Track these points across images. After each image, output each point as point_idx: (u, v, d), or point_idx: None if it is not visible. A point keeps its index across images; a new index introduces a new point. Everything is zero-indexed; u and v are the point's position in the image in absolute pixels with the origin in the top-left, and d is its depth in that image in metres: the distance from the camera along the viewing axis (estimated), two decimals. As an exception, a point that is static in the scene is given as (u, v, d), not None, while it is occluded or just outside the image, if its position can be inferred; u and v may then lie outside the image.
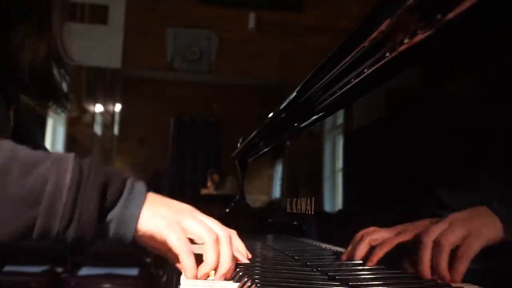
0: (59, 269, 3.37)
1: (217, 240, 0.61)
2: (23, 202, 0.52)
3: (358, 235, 0.72)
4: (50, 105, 0.80)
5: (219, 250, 0.61)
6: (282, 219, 1.27)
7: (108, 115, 7.35)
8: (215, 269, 0.61)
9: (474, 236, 0.49)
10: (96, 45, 5.81)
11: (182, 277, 0.63)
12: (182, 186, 6.65)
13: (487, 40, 0.53)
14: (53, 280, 3.26)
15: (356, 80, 0.78)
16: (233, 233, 0.68)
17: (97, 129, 7.25)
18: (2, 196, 0.52)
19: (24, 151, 0.55)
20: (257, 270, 0.65)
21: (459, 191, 0.56)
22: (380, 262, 0.68)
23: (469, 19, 0.52)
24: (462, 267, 0.51)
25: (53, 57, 0.76)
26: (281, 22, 6.56)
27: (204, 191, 6.03)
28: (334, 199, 0.95)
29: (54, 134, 6.53)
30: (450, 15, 0.53)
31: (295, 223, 1.14)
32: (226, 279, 0.61)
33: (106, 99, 7.31)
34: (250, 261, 0.69)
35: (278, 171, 1.41)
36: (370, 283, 0.59)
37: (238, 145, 1.88)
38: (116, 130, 7.29)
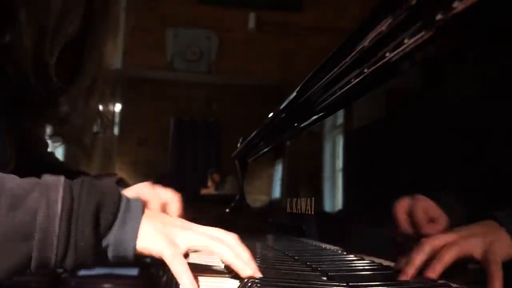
0: (59, 269, 3.37)
1: (221, 242, 0.60)
2: (15, 238, 0.51)
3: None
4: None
5: (232, 248, 0.60)
6: (282, 219, 1.27)
7: (108, 115, 7.34)
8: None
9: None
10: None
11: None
12: (182, 186, 6.64)
13: (487, 40, 0.53)
14: (53, 280, 3.26)
15: (356, 80, 0.78)
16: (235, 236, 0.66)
17: (97, 129, 7.24)
18: None
19: (11, 183, 0.53)
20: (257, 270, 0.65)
21: (458, 191, 0.56)
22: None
23: (469, 19, 0.52)
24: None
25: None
26: (281, 22, 6.56)
27: (204, 191, 6.03)
28: (334, 199, 0.95)
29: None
30: (450, 15, 0.53)
31: (295, 223, 1.14)
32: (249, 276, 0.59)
33: (106, 99, 7.30)
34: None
35: (278, 171, 1.41)
36: (370, 283, 0.59)
37: (238, 145, 1.88)
38: (116, 130, 7.29)
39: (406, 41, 0.62)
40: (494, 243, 0.48)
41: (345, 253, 0.83)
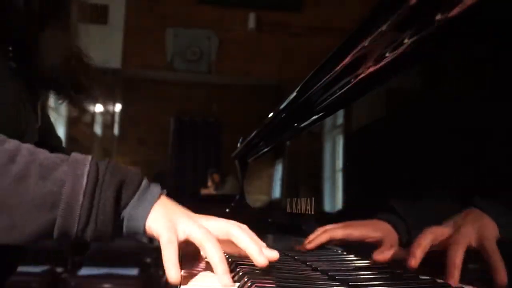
0: (59, 269, 3.37)
1: (229, 231, 0.63)
2: (42, 205, 0.54)
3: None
4: (73, 99, 0.84)
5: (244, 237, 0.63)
6: (282, 219, 1.27)
7: (108, 115, 7.35)
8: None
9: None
10: (96, 45, 5.79)
11: (183, 277, 0.63)
12: (182, 186, 6.64)
13: (488, 39, 0.53)
14: (53, 280, 3.26)
15: (356, 80, 0.78)
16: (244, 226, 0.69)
17: (97, 129, 7.25)
18: (23, 199, 0.54)
19: (42, 155, 0.57)
20: (257, 270, 0.65)
21: (459, 191, 0.56)
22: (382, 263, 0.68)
23: (469, 19, 0.52)
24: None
25: (75, 56, 0.80)
26: (281, 22, 6.56)
27: (204, 191, 6.03)
28: (334, 199, 0.95)
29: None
30: (450, 15, 0.53)
31: (295, 223, 1.14)
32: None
33: (106, 99, 7.31)
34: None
35: (278, 171, 1.41)
36: (370, 283, 0.59)
37: (238, 145, 1.88)
38: (116, 130, 7.29)
39: (406, 41, 0.62)
40: (484, 229, 0.50)
41: (345, 253, 0.83)
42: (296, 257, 0.82)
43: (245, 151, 1.80)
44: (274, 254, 0.63)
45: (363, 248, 0.75)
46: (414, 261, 0.56)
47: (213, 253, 0.59)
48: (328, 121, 0.99)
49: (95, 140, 7.17)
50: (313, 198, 1.01)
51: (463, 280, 0.52)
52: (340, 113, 0.93)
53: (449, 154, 0.59)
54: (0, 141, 0.57)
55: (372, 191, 0.77)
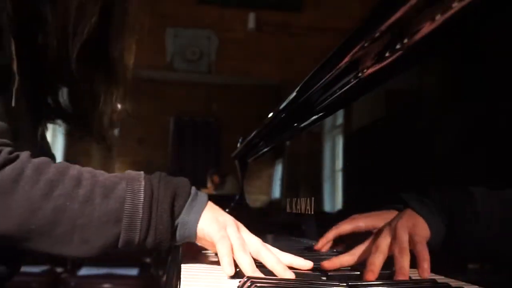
0: (59, 269, 3.37)
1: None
2: (107, 221, 0.61)
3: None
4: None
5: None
6: (282, 219, 1.27)
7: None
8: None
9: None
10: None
11: (183, 277, 0.63)
12: (182, 186, 6.62)
13: (488, 39, 0.53)
14: (53, 280, 3.26)
15: (356, 80, 0.78)
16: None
17: (97, 129, 7.24)
18: (91, 218, 0.61)
19: (102, 176, 0.64)
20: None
21: (458, 190, 0.56)
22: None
23: (469, 18, 0.52)
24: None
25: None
26: (281, 22, 6.55)
27: (204, 191, 6.01)
28: (334, 199, 0.95)
29: (54, 134, 6.52)
30: (450, 15, 0.53)
31: (295, 223, 1.14)
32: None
33: (106, 99, 7.29)
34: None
35: (278, 171, 1.41)
36: (370, 283, 0.59)
37: (238, 145, 1.88)
38: (116, 130, 7.29)
39: (406, 41, 0.62)
40: (416, 227, 0.57)
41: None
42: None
43: (245, 151, 1.80)
44: (306, 264, 0.67)
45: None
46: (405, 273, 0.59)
47: (269, 257, 0.65)
48: (328, 121, 0.99)
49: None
50: (312, 198, 1.01)
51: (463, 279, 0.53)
52: (340, 113, 0.93)
53: (449, 154, 0.59)
54: (65, 168, 0.63)
55: (372, 191, 0.77)
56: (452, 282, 0.54)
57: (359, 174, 0.85)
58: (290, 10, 6.58)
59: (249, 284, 0.55)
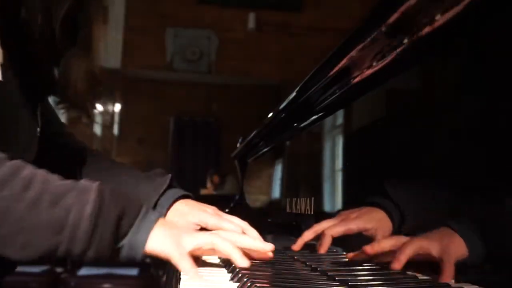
0: (59, 269, 3.37)
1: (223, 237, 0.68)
2: (50, 229, 0.61)
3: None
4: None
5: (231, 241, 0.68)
6: (281, 219, 1.27)
7: (108, 115, 7.34)
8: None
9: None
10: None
11: (183, 277, 0.63)
12: (181, 186, 6.62)
13: (488, 39, 0.53)
14: (53, 280, 3.26)
15: (356, 80, 0.78)
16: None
17: (97, 129, 7.24)
18: (36, 222, 0.60)
19: (55, 182, 0.64)
20: (257, 270, 0.65)
21: (458, 190, 0.56)
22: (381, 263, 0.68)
23: (469, 18, 0.52)
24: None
25: (91, 78, 0.85)
26: (281, 22, 6.55)
27: (203, 192, 6.02)
28: (333, 199, 0.95)
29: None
30: (450, 16, 0.53)
31: (295, 223, 1.14)
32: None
33: (106, 99, 7.30)
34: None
35: (278, 171, 1.41)
36: (370, 283, 0.59)
37: (238, 145, 1.88)
38: (116, 130, 7.28)
39: (405, 41, 0.62)
40: (449, 245, 0.55)
41: (345, 253, 0.83)
42: (296, 257, 0.82)
43: (245, 151, 1.80)
44: (268, 246, 0.71)
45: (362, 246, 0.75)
46: (398, 265, 0.61)
47: (224, 245, 0.66)
48: (328, 121, 0.99)
49: (95, 140, 7.17)
50: (312, 198, 1.01)
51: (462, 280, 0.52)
52: (340, 113, 0.93)
53: (449, 154, 0.59)
54: (18, 168, 0.62)
55: (372, 191, 0.77)
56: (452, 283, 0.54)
57: (359, 174, 0.85)
58: (290, 10, 6.58)
59: (249, 284, 0.55)
